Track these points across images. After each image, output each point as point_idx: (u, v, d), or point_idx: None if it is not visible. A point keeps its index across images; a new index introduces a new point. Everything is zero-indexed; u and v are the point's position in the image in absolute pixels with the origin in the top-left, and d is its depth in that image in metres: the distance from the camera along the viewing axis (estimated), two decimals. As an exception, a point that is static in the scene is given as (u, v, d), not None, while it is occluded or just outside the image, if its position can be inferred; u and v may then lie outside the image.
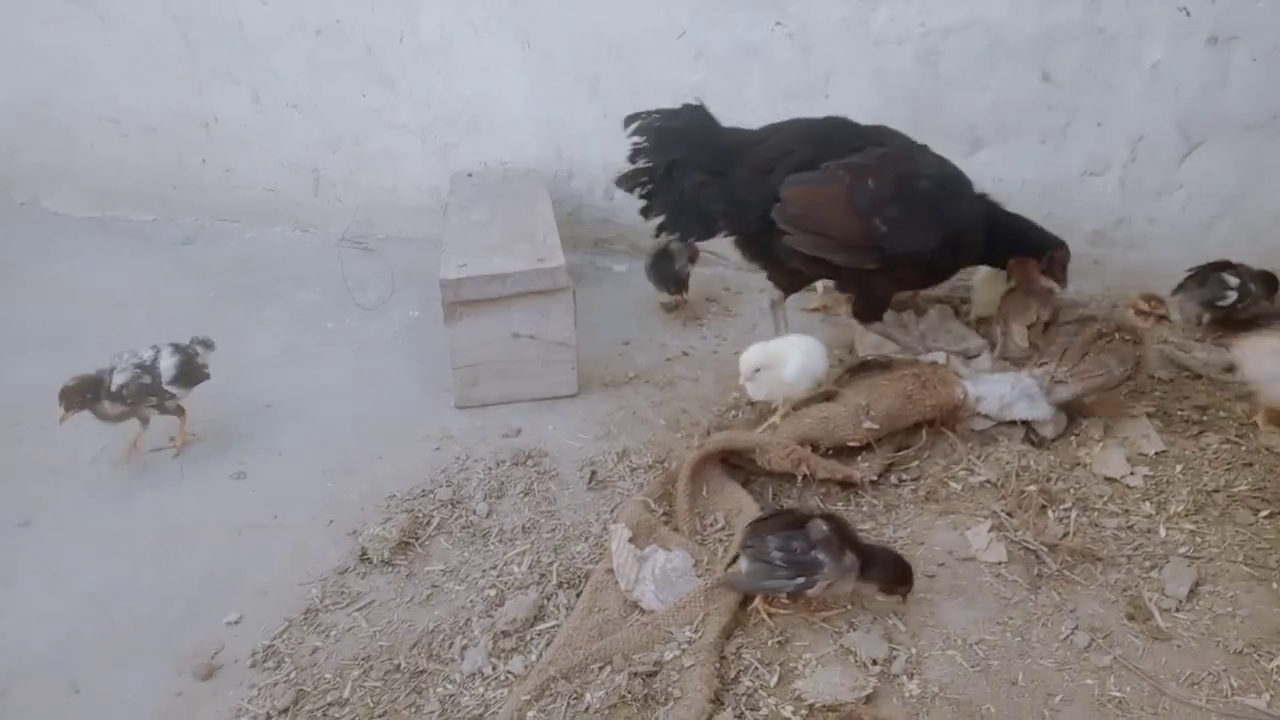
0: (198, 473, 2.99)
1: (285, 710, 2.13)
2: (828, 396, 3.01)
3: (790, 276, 3.32)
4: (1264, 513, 2.65)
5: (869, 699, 2.09)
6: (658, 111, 3.28)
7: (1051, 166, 3.77)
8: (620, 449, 3.01)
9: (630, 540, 2.45)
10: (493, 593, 2.43)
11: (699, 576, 2.40)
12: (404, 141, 4.45)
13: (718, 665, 2.14)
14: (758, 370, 2.88)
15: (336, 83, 4.39)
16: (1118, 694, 2.13)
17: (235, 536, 2.72)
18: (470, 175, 4.15)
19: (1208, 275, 3.43)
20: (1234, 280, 3.37)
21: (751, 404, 3.21)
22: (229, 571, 2.59)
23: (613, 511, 2.70)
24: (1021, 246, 3.29)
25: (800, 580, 2.21)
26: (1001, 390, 2.97)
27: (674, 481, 2.68)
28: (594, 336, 3.66)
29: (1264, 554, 2.51)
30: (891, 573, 2.31)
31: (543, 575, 2.47)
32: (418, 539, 2.63)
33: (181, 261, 4.50)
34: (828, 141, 3.11)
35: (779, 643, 2.26)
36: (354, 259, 4.40)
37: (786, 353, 2.90)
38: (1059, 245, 3.27)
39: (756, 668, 2.19)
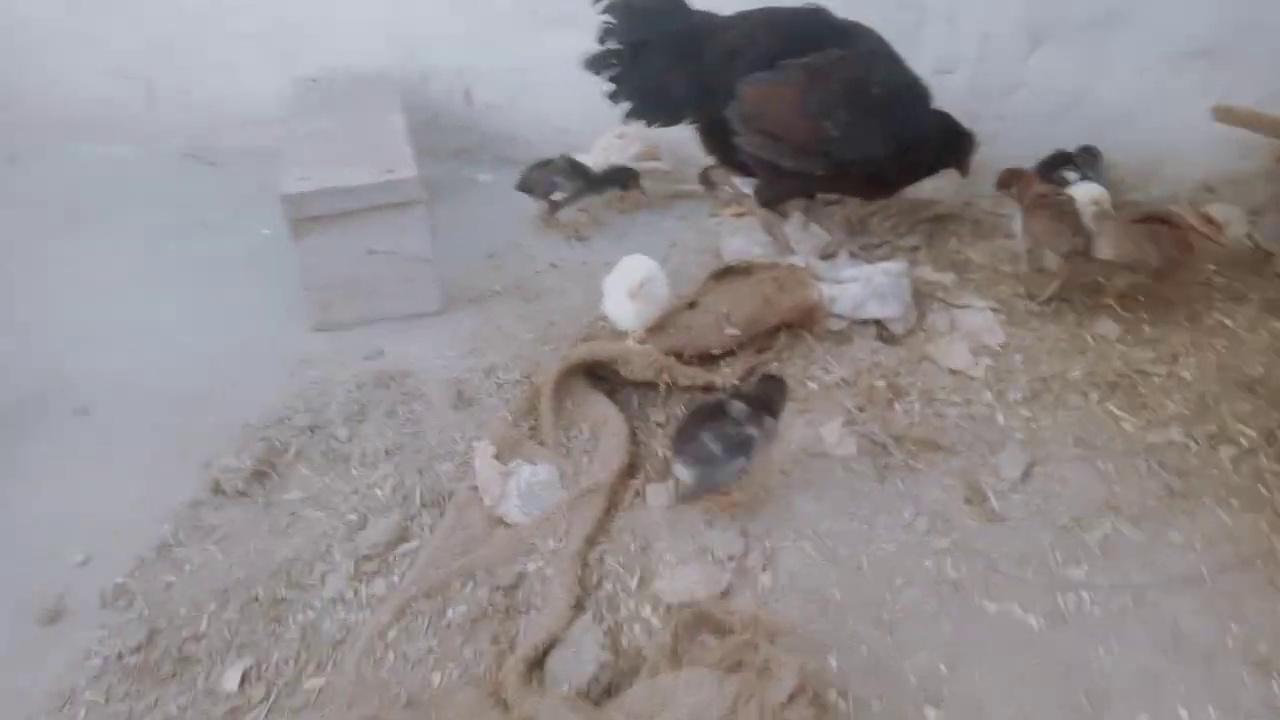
0: (37, 410, 2.82)
1: (138, 648, 2.08)
2: (690, 304, 3.05)
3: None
4: (1094, 396, 2.85)
5: (724, 594, 2.19)
6: None
7: (906, 65, 3.81)
8: (487, 365, 2.98)
9: (495, 457, 2.46)
10: (354, 517, 2.40)
11: (564, 488, 2.43)
12: (243, 47, 4.15)
13: (580, 573, 2.19)
14: (643, 285, 2.77)
15: (160, -17, 4.05)
16: (954, 574, 2.28)
17: (80, 475, 2.59)
18: (315, 81, 3.92)
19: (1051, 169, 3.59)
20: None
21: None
22: (74, 512, 2.47)
23: (479, 430, 2.68)
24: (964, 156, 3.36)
25: (742, 461, 2.31)
26: (854, 290, 3.06)
27: (539, 396, 2.68)
28: (458, 250, 3.57)
29: (1092, 434, 2.70)
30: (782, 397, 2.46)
31: (406, 497, 2.46)
32: (275, 467, 2.56)
33: (3, 184, 4.14)
34: (795, 36, 3.06)
35: (641, 547, 2.33)
36: (198, 175, 4.14)
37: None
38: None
39: (618, 572, 2.25)
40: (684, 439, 2.34)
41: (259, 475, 2.52)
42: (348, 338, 3.09)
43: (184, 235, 3.70)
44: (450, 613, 2.11)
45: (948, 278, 3.37)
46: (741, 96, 2.98)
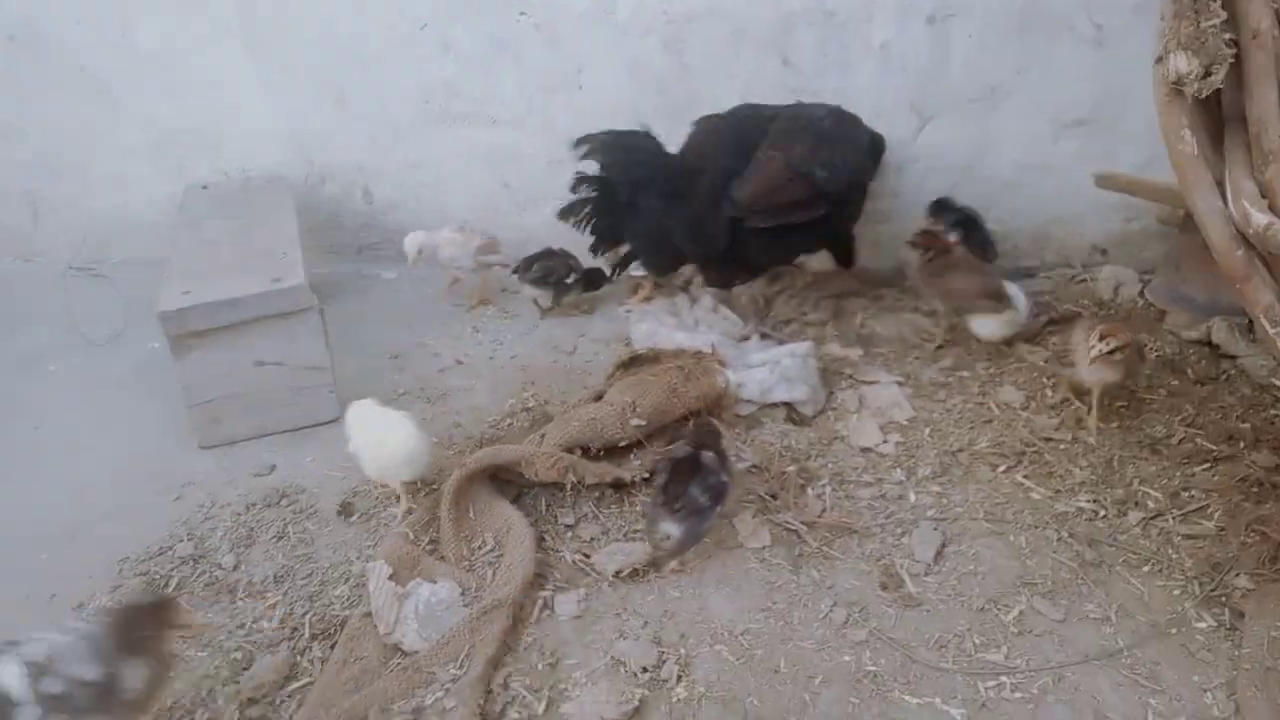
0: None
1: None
2: (596, 396, 2.99)
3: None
4: (1000, 468, 2.85)
5: (636, 711, 2.08)
6: (603, 133, 3.46)
7: (801, 147, 3.88)
8: (386, 474, 2.86)
9: (390, 578, 2.33)
10: (239, 655, 2.24)
11: (466, 606, 2.31)
12: (133, 158, 4.04)
13: (482, 702, 2.06)
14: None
15: (44, 101, 3.94)
16: (873, 668, 2.21)
17: (-64, 628, 2.38)
18: (205, 188, 3.83)
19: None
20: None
21: (527, 410, 3.15)
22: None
23: (376, 546, 2.55)
24: None
25: (719, 508, 2.46)
26: (761, 375, 3.04)
27: (438, 507, 2.57)
28: (361, 351, 3.48)
29: (1001, 508, 2.69)
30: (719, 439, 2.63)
31: (295, 629, 2.31)
32: (153, 605, 2.39)
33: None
34: (744, 135, 3.37)
35: (549, 664, 2.22)
36: (84, 288, 3.97)
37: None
38: None
39: (524, 696, 2.13)
40: (674, 496, 2.43)
41: (136, 615, 2.34)
42: (237, 454, 2.94)
43: (65, 354, 3.53)
44: (341, 759, 1.96)
45: (854, 353, 3.39)
46: (740, 203, 3.25)
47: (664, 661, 2.22)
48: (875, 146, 3.58)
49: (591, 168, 3.49)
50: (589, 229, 3.59)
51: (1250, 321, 3.19)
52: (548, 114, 3.85)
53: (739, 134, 3.40)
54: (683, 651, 2.25)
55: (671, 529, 2.40)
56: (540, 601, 2.36)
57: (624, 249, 3.69)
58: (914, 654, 2.25)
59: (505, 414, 3.15)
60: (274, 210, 3.51)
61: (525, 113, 3.86)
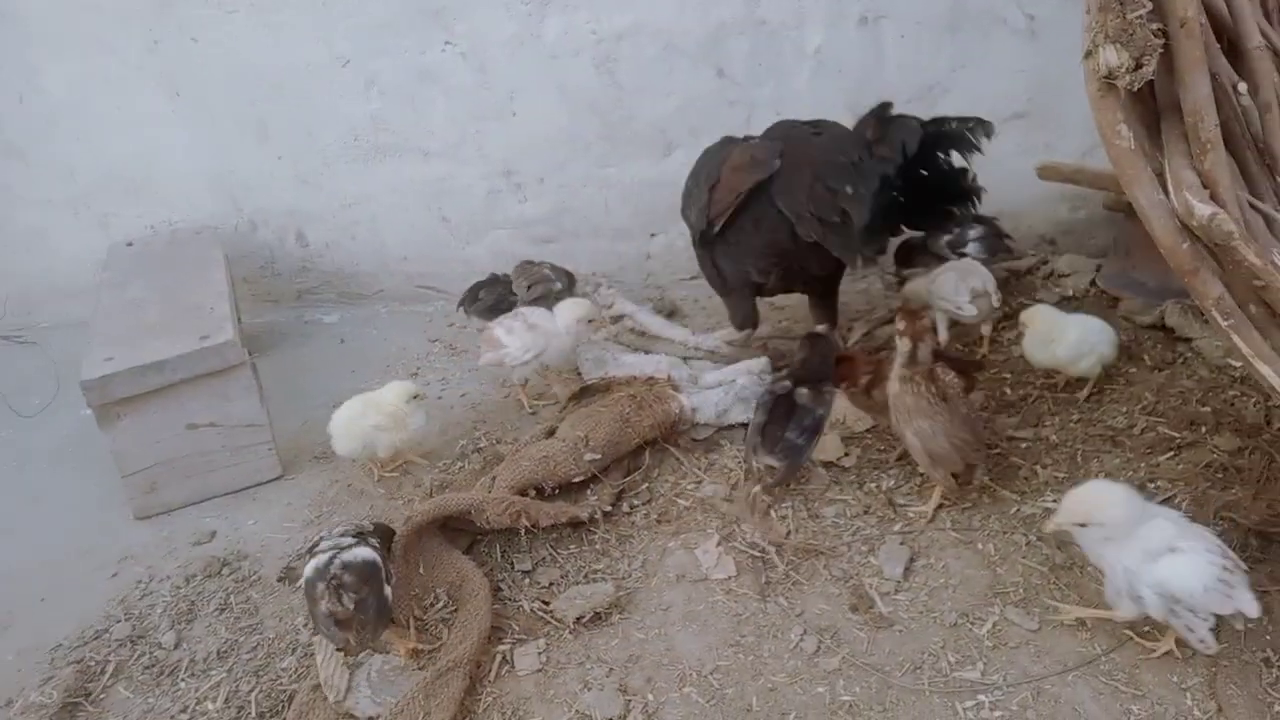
0: None
1: None
2: (548, 432, 2.90)
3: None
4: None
5: (601, 770, 1.98)
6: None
7: (742, 159, 3.83)
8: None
9: (339, 649, 2.21)
10: (183, 743, 2.12)
11: (420, 668, 2.20)
12: (52, 216, 3.90)
13: (440, 771, 1.96)
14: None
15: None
16: (848, 697, 2.13)
17: None
18: (130, 244, 3.69)
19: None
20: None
21: (479, 451, 3.05)
22: None
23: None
24: None
25: (816, 440, 2.69)
26: (716, 397, 2.97)
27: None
28: (303, 403, 3.36)
29: (967, 516, 2.63)
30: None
31: (241, 708, 2.19)
32: (89, 695, 2.26)
33: None
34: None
35: (512, 724, 2.12)
36: (11, 357, 3.81)
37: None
38: None
39: (486, 761, 2.03)
40: (771, 440, 2.63)
41: (70, 709, 2.22)
42: (175, 523, 2.81)
43: (-9, 427, 3.38)
44: None
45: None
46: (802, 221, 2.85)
47: (630, 711, 2.12)
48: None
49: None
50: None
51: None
52: (482, 143, 3.77)
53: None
54: (650, 698, 2.16)
55: (771, 461, 2.62)
56: (499, 657, 2.26)
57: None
58: (889, 678, 2.17)
59: (456, 456, 3.05)
60: (202, 263, 3.39)
61: (458, 143, 3.77)
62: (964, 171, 2.97)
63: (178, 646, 2.38)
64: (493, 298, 3.58)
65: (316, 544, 2.23)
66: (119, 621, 2.46)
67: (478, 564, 2.50)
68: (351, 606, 2.06)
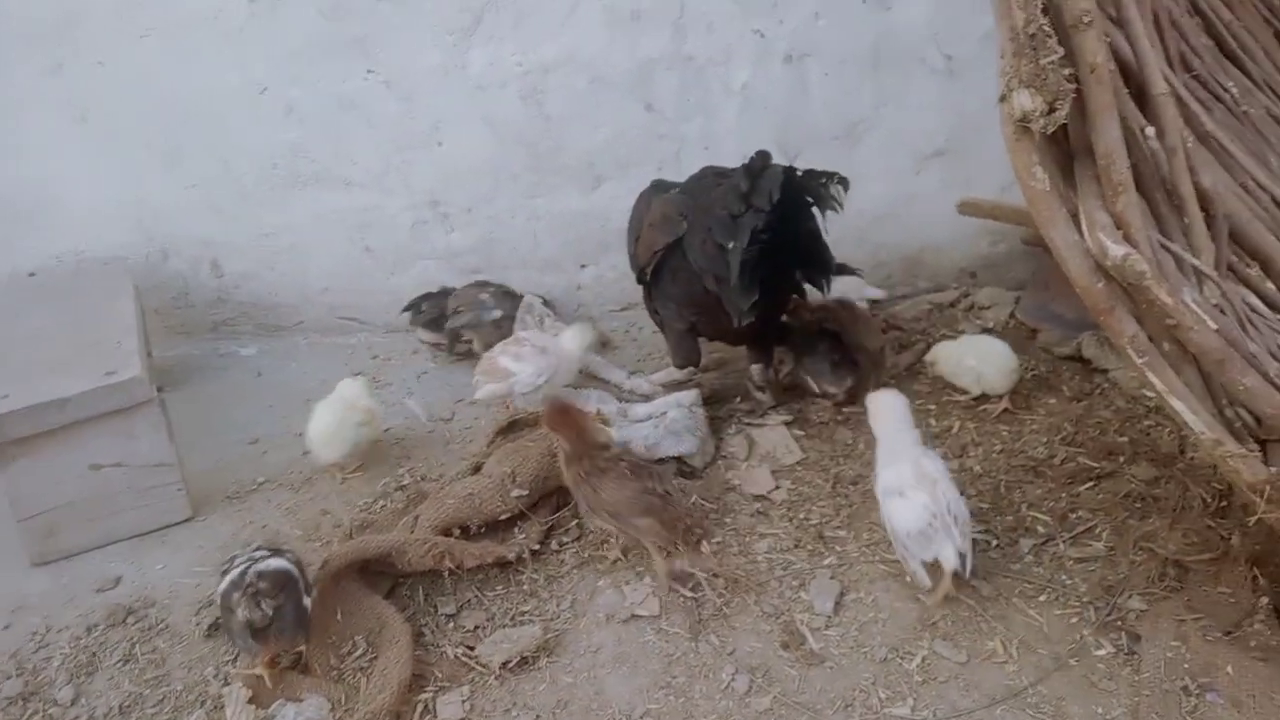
0: None
1: None
2: (474, 468, 2.83)
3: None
4: (891, 504, 2.80)
5: (527, 824, 1.91)
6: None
7: (671, 193, 3.83)
8: (247, 576, 2.62)
9: (250, 701, 2.10)
10: (77, 809, 1.98)
11: (336, 720, 2.11)
12: (-51, 245, 3.70)
13: (357, 832, 1.87)
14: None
15: None
16: (779, 737, 2.11)
17: None
18: (32, 275, 3.51)
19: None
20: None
21: (402, 489, 2.96)
22: None
23: (236, 661, 2.32)
24: None
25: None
26: (646, 430, 2.94)
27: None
28: (217, 439, 3.23)
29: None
30: None
31: (144, 768, 2.06)
32: (-27, 763, 2.11)
33: None
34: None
35: (435, 778, 2.03)
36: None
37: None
38: None
39: (406, 818, 1.94)
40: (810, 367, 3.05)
41: (-49, 777, 2.06)
42: (76, 569, 2.66)
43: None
44: None
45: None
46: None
47: (558, 764, 2.06)
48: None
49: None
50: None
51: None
52: (406, 174, 3.70)
53: None
54: (579, 749, 2.10)
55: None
56: (420, 706, 2.18)
57: None
58: (820, 717, 2.15)
59: (378, 495, 2.95)
60: (109, 295, 3.23)
61: (382, 173, 3.70)
62: (817, 237, 2.97)
63: (75, 703, 2.24)
64: (436, 311, 3.56)
65: (230, 562, 2.23)
66: (9, 678, 2.30)
67: (399, 608, 2.41)
68: (270, 613, 2.06)
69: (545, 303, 3.67)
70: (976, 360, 3.17)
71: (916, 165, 3.82)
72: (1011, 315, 3.80)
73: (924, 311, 3.87)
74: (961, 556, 2.30)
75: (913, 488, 2.36)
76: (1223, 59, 2.71)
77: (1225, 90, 2.60)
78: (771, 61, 3.62)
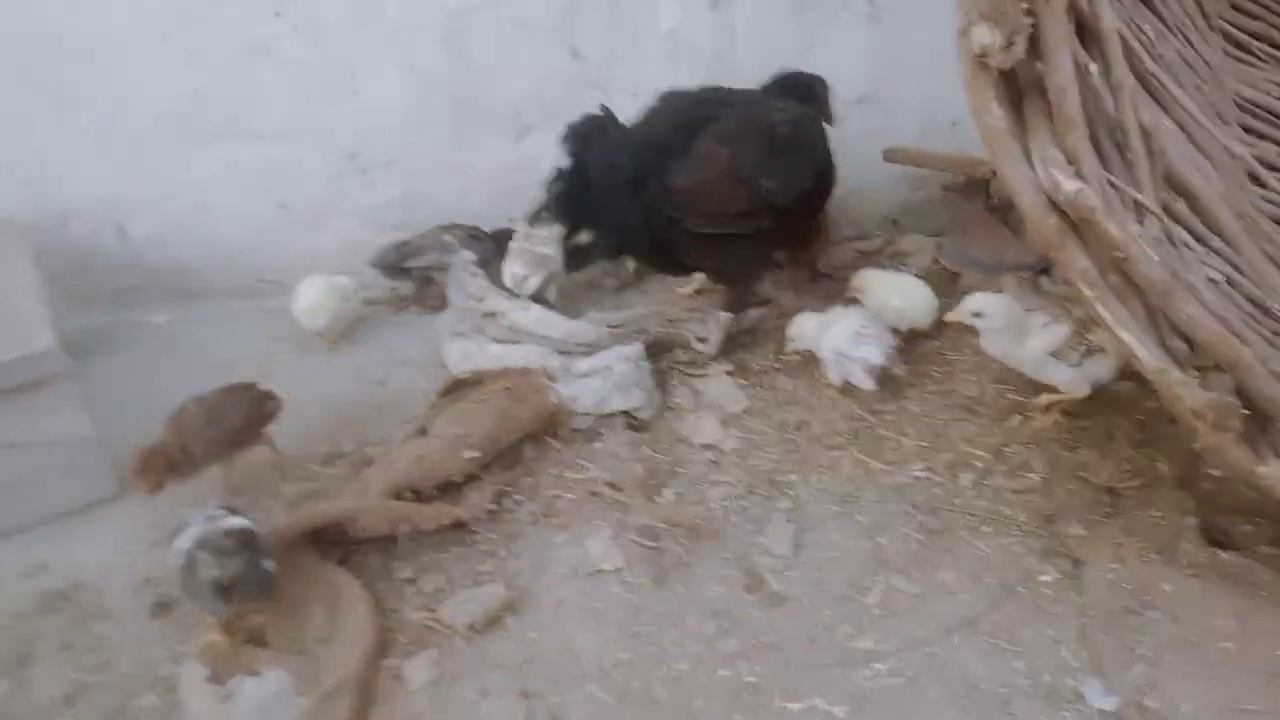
0: None
1: None
2: (420, 431, 2.75)
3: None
4: (838, 446, 2.85)
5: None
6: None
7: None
8: (187, 552, 2.49)
9: (208, 678, 2.01)
10: (28, 806, 1.87)
11: (301, 695, 2.03)
12: None
13: (336, 805, 1.82)
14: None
15: None
16: (751, 678, 2.14)
17: None
18: (-84, 243, 3.21)
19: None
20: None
21: (343, 456, 2.85)
22: None
23: (188, 639, 2.21)
24: None
25: None
26: (594, 385, 2.91)
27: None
28: (135, 412, 2.99)
29: (846, 487, 2.70)
30: None
31: (96, 759, 1.95)
32: (-103, 772, 1.96)
33: None
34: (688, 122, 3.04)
35: (409, 746, 1.99)
36: None
37: None
38: None
39: (383, 787, 1.90)
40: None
41: (-121, 784, 1.91)
42: (-2, 557, 2.48)
43: None
44: None
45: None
46: (673, 189, 2.91)
47: (533, 715, 2.05)
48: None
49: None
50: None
51: (1038, 275, 3.38)
52: (322, 124, 3.51)
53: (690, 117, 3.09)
54: (554, 700, 2.09)
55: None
56: (389, 674, 2.12)
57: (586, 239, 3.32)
58: (788, 655, 2.20)
59: (320, 462, 2.83)
60: (9, 261, 2.98)
61: (294, 124, 3.50)
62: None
63: (13, 695, 2.09)
64: (401, 255, 3.48)
65: (184, 525, 2.18)
66: (-67, 677, 2.14)
67: (354, 575, 2.34)
68: (239, 570, 2.05)
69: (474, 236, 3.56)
70: (900, 300, 3.24)
71: (841, 111, 3.84)
72: (935, 260, 3.89)
73: (850, 259, 3.93)
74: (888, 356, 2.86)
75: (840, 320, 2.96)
76: (1139, 2, 2.81)
77: (1143, 32, 2.70)
78: (698, 5, 3.57)
